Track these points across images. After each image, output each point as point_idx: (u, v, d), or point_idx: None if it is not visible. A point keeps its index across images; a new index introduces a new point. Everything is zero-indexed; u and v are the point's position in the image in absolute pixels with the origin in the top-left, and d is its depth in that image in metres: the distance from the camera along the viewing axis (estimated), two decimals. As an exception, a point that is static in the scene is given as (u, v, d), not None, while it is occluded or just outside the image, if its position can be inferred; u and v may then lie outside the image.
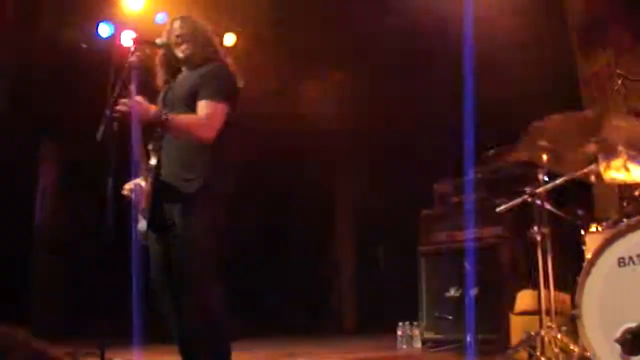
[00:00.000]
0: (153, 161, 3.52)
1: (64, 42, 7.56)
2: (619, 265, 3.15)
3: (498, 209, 4.69)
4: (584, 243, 4.83)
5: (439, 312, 6.28)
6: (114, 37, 7.47)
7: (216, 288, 3.44)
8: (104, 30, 7.60)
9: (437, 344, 6.23)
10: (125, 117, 3.29)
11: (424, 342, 6.37)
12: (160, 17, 7.50)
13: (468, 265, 6.12)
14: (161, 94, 3.73)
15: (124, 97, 3.32)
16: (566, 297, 4.94)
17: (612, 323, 3.07)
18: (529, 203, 4.19)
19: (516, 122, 4.34)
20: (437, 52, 7.30)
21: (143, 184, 3.49)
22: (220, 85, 3.54)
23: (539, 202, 4.16)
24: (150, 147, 3.55)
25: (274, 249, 9.92)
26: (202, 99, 3.47)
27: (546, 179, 4.20)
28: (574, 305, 3.30)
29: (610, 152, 3.52)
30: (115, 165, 3.47)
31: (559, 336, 3.91)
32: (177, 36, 3.66)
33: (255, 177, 8.09)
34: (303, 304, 10.47)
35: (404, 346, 6.50)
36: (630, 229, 3.16)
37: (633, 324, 2.94)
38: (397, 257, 8.48)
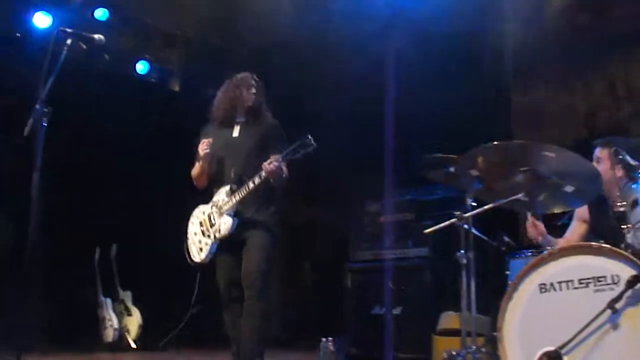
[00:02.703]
0: (232, 197, 4.48)
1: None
2: (540, 291, 3.26)
3: (425, 231, 4.76)
4: (507, 268, 5.00)
5: (363, 329, 6.37)
6: (50, 28, 7.27)
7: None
8: (40, 20, 7.38)
9: (359, 360, 6.32)
10: (272, 174, 4.34)
11: (347, 358, 6.44)
12: (99, 12, 7.42)
13: (392, 285, 6.24)
14: (221, 139, 4.65)
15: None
16: (487, 319, 5.09)
17: (531, 346, 3.18)
18: (456, 226, 4.25)
19: (449, 152, 4.47)
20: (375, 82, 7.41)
21: (219, 217, 4.51)
22: (284, 140, 4.58)
23: (466, 226, 4.25)
24: (233, 187, 4.49)
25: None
26: (278, 153, 4.39)
27: (474, 204, 4.31)
28: (496, 327, 3.40)
29: (538, 183, 3.65)
30: (41, 163, 3.49)
31: (478, 357, 4.02)
32: (255, 93, 4.70)
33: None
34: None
35: (327, 362, 6.54)
36: (553, 257, 3.27)
37: (550, 348, 3.06)
38: (324, 273, 8.53)
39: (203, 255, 4.51)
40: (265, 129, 4.65)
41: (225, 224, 4.43)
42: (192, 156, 4.69)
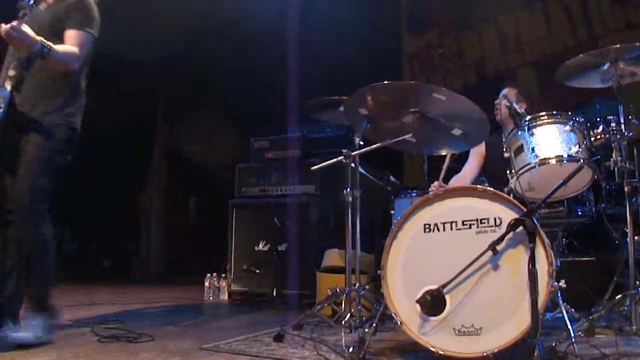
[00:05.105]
0: (9, 87, 3.55)
1: None
2: (424, 231, 3.32)
3: (312, 168, 4.73)
4: (392, 208, 5.08)
5: (247, 265, 6.37)
6: None
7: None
8: None
9: (244, 296, 6.33)
10: (10, 41, 3.44)
11: (230, 294, 6.45)
12: None
13: (277, 221, 6.25)
14: (20, 15, 3.60)
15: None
16: (372, 257, 5.19)
17: (414, 284, 3.24)
18: (343, 165, 4.24)
19: (340, 91, 4.47)
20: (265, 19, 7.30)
21: None
22: (87, 15, 3.76)
23: (353, 164, 4.26)
24: (11, 73, 3.59)
25: (82, 193, 9.50)
26: (71, 28, 3.69)
27: (362, 143, 4.31)
28: (380, 266, 3.44)
29: (426, 124, 3.68)
30: None
31: (362, 293, 4.09)
32: None
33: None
34: (110, 250, 10.22)
35: (211, 297, 6.55)
36: (438, 198, 3.33)
37: (433, 287, 3.13)
38: (210, 208, 8.46)
39: None
40: (65, 4, 3.79)
41: None
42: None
